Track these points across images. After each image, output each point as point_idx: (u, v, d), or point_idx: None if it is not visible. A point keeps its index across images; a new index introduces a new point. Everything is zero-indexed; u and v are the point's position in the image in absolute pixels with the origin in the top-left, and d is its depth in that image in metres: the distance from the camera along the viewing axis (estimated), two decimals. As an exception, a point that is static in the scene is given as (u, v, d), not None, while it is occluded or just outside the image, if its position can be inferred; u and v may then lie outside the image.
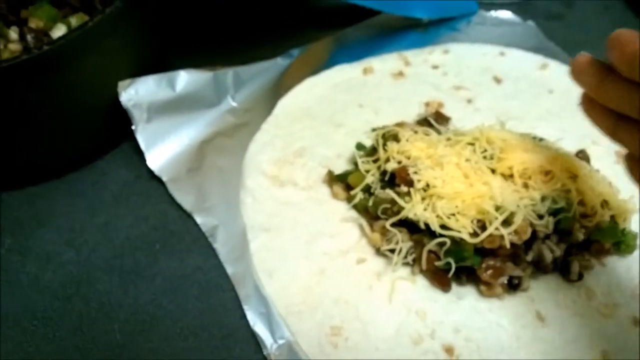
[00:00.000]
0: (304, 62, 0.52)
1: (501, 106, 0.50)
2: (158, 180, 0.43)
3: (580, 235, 0.38)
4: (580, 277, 0.39)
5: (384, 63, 0.53)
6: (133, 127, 0.43)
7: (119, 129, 0.44)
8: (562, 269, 0.40)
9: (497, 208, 0.37)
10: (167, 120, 0.44)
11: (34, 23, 0.36)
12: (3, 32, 0.36)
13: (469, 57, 0.54)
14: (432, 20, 0.58)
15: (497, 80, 0.52)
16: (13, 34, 0.36)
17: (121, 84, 0.42)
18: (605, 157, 0.45)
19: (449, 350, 0.37)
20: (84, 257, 0.39)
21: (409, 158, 0.40)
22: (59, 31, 0.37)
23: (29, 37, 0.36)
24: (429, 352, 0.36)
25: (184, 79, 0.46)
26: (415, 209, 0.38)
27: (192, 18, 0.51)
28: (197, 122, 0.45)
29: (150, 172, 0.43)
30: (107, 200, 0.42)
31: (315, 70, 0.52)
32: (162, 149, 0.43)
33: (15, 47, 0.36)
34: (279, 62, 0.51)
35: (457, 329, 0.37)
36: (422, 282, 0.39)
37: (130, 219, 0.41)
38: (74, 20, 0.39)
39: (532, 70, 0.53)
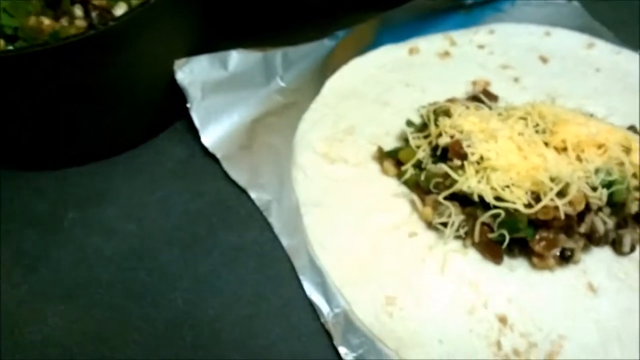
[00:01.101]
0: (349, 43, 0.53)
1: (548, 85, 0.50)
2: (212, 157, 0.44)
3: (634, 207, 0.38)
4: (632, 249, 0.39)
5: (430, 43, 0.53)
6: (188, 105, 0.44)
7: (172, 107, 0.45)
8: (614, 242, 0.40)
9: (552, 179, 0.37)
10: (220, 99, 0.45)
11: (97, 1, 0.38)
12: (69, 10, 0.37)
13: (515, 36, 0.54)
14: (476, 1, 0.58)
15: (544, 60, 0.52)
16: (78, 11, 0.37)
17: (177, 62, 0.43)
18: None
19: (502, 319, 0.37)
20: (145, 231, 0.41)
21: (461, 132, 0.40)
22: (120, 9, 0.39)
23: (93, 15, 0.37)
24: (483, 321, 0.37)
25: (236, 59, 0.47)
26: (469, 181, 0.38)
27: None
28: (248, 101, 0.46)
29: (204, 150, 0.44)
30: (164, 177, 0.44)
31: (361, 51, 0.52)
32: (216, 127, 0.45)
33: (80, 23, 0.38)
34: (326, 43, 0.52)
35: (509, 299, 0.38)
36: (473, 254, 0.40)
37: (187, 194, 0.43)
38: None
39: (579, 50, 0.53)
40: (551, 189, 0.36)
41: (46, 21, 0.37)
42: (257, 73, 0.48)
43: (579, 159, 0.39)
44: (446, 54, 0.52)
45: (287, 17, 0.53)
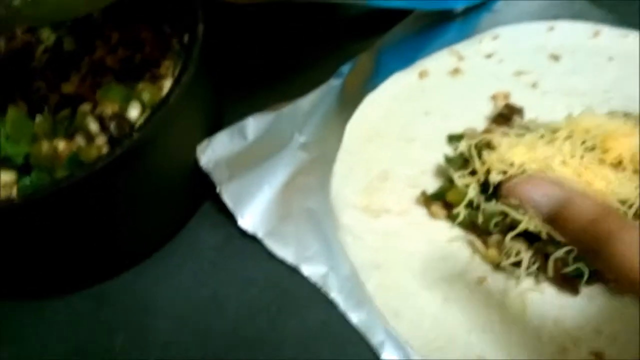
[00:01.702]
0: (355, 76, 0.50)
1: (567, 84, 0.49)
2: (250, 236, 0.41)
3: None
4: None
5: (437, 63, 0.51)
6: (217, 190, 0.41)
7: (197, 192, 0.42)
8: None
9: (623, 202, 0.36)
10: (247, 173, 0.42)
11: (109, 108, 0.34)
12: (82, 125, 0.33)
13: (520, 38, 0.52)
14: (468, 6, 0.56)
15: (555, 58, 0.51)
16: (93, 125, 0.33)
17: (199, 148, 0.40)
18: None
19: (598, 355, 0.36)
20: (202, 337, 0.38)
21: (512, 166, 0.39)
22: (134, 110, 0.35)
23: (111, 126, 0.33)
24: (580, 361, 0.36)
25: (253, 125, 0.44)
26: (534, 220, 0.37)
27: (239, 62, 0.48)
28: (275, 167, 0.43)
29: (240, 230, 0.41)
30: (206, 270, 0.40)
31: (367, 83, 0.50)
32: (250, 205, 0.41)
33: (99, 140, 0.33)
34: (333, 84, 0.49)
35: (598, 330, 0.37)
36: (549, 289, 0.38)
37: (237, 285, 0.40)
38: (144, 93, 0.36)
39: (586, 40, 0.52)
40: (626, 214, 0.35)
41: (61, 145, 0.32)
42: (276, 134, 0.44)
43: (635, 171, 0.38)
44: (456, 71, 0.50)
45: (281, 68, 0.50)
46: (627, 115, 0.44)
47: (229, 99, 0.46)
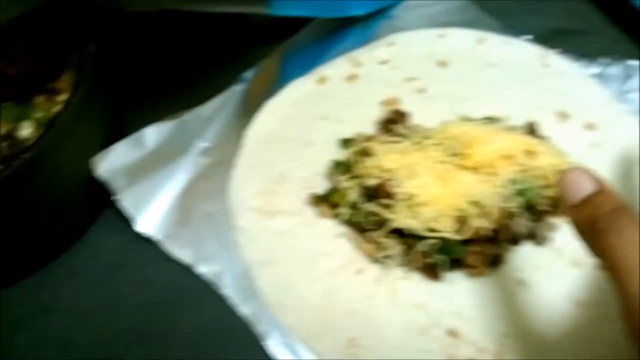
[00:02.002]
0: (258, 82, 0.53)
1: (451, 90, 0.53)
2: (150, 240, 0.44)
3: (545, 207, 0.43)
4: (547, 239, 0.44)
5: (335, 69, 0.54)
6: (115, 197, 0.43)
7: (98, 198, 0.44)
8: (532, 237, 0.44)
9: (473, 203, 0.41)
10: (146, 180, 0.45)
11: (2, 128, 0.36)
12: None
13: (412, 45, 0.56)
14: (368, 12, 0.59)
15: (442, 64, 0.54)
16: (-17, 145, 0.35)
17: (94, 160, 0.43)
18: (548, 121, 0.49)
19: (452, 333, 0.41)
20: (101, 335, 0.41)
21: (385, 171, 0.43)
22: (26, 129, 0.37)
23: (3, 146, 0.35)
24: (437, 340, 0.41)
25: (152, 134, 0.46)
26: (401, 219, 0.41)
27: (138, 71, 0.50)
28: (175, 172, 0.46)
29: (140, 234, 0.44)
30: (107, 272, 0.43)
31: (271, 89, 0.53)
32: (149, 210, 0.44)
33: (-5, 159, 0.36)
34: (235, 90, 0.52)
35: (456, 312, 0.42)
36: (417, 277, 0.43)
37: (135, 286, 0.43)
38: (35, 111, 0.38)
39: (472, 47, 0.56)
40: (473, 214, 0.40)
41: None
42: (176, 141, 0.47)
43: (492, 174, 0.42)
44: (353, 77, 0.54)
45: (185, 75, 0.52)
46: (498, 120, 0.48)
47: (132, 108, 0.49)
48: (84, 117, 0.37)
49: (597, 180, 0.31)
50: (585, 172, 0.31)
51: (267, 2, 0.48)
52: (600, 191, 0.30)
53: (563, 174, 0.32)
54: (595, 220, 0.29)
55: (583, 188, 0.30)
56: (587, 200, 0.30)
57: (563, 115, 0.50)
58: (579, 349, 0.40)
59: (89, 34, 0.39)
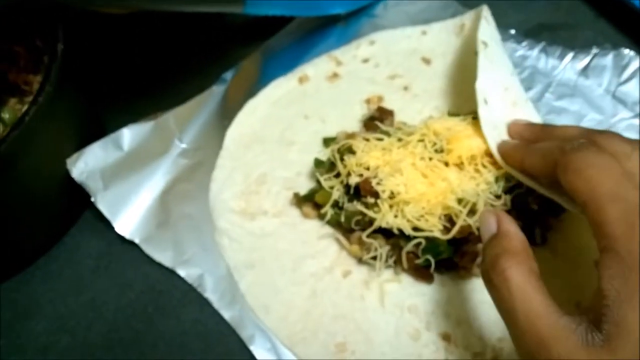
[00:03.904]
0: (238, 83, 0.52)
1: (435, 86, 0.52)
2: (131, 242, 0.43)
3: (535, 205, 0.42)
4: (544, 239, 0.43)
5: (317, 68, 0.53)
6: (92, 199, 0.42)
7: (77, 201, 0.43)
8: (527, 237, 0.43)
9: (460, 200, 0.40)
10: (124, 182, 0.44)
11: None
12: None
13: (394, 43, 0.55)
14: (349, 11, 0.58)
15: (426, 61, 0.54)
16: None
17: (69, 160, 0.41)
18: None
19: (445, 337, 0.40)
20: (81, 339, 0.40)
21: (368, 169, 0.42)
22: (-6, 130, 0.36)
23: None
24: (429, 344, 0.40)
25: (129, 136, 0.45)
26: (385, 218, 0.40)
27: (117, 72, 0.49)
28: (153, 174, 0.45)
29: (121, 237, 0.43)
30: (86, 276, 0.42)
31: (251, 89, 0.52)
32: (127, 212, 0.43)
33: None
34: (215, 91, 0.51)
35: (447, 315, 0.41)
36: (407, 279, 0.42)
37: (115, 289, 0.42)
38: (4, 111, 0.37)
39: (453, 41, 0.55)
40: (461, 211, 0.39)
41: None
42: (154, 143, 0.46)
43: (477, 171, 0.42)
44: (335, 75, 0.53)
45: (165, 75, 0.51)
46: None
47: (110, 109, 0.47)
48: (53, 117, 0.36)
49: (500, 222, 0.33)
50: (493, 213, 0.34)
51: (242, 2, 0.47)
52: (497, 234, 0.33)
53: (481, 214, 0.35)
54: (486, 261, 0.32)
55: (490, 229, 0.33)
56: (488, 241, 0.33)
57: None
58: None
59: (55, 36, 0.37)
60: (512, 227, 0.33)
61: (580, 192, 0.30)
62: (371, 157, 0.42)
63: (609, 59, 0.52)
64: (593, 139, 0.34)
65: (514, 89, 0.45)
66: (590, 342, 0.26)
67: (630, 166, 0.31)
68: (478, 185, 0.41)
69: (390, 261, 0.42)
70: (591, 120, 0.49)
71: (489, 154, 0.42)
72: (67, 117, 0.40)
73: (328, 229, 0.44)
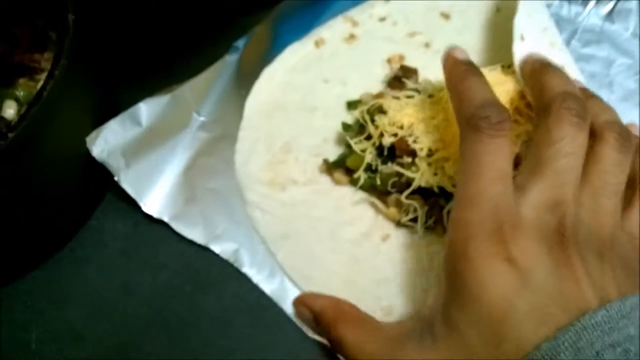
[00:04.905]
0: (252, 50, 0.50)
1: (458, 42, 0.49)
2: (157, 222, 0.41)
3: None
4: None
5: (332, 30, 0.51)
6: (116, 178, 0.40)
7: (98, 182, 0.41)
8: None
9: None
10: (145, 159, 0.42)
11: (-16, 108, 0.33)
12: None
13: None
14: (361, -31, 0.56)
15: (445, 17, 0.52)
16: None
17: (88, 139, 0.39)
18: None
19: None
20: (119, 325, 0.38)
21: (402, 128, 0.40)
22: (10, 109, 0.34)
23: (-14, 126, 0.32)
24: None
25: (145, 111, 0.43)
26: (425, 176, 0.39)
27: (125, 45, 0.47)
28: (175, 150, 0.43)
29: (147, 216, 0.41)
30: (116, 260, 0.40)
31: (266, 56, 0.50)
32: (153, 190, 0.41)
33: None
34: (229, 60, 0.48)
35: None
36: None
37: (148, 271, 0.40)
38: (19, 90, 0.35)
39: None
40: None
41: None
42: (172, 117, 0.44)
43: (515, 121, 0.40)
44: (352, 37, 0.51)
45: (177, 47, 0.49)
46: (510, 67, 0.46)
47: (123, 83, 0.45)
48: (69, 91, 0.34)
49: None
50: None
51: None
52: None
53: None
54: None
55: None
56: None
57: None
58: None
59: (64, 8, 0.35)
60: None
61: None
62: (404, 115, 0.40)
63: (634, 2, 0.50)
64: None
65: (552, 30, 0.43)
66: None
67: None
68: (518, 137, 0.39)
69: (430, 222, 0.40)
70: (621, 65, 0.48)
71: (525, 103, 0.40)
72: (82, 93, 0.38)
73: (362, 194, 0.43)
